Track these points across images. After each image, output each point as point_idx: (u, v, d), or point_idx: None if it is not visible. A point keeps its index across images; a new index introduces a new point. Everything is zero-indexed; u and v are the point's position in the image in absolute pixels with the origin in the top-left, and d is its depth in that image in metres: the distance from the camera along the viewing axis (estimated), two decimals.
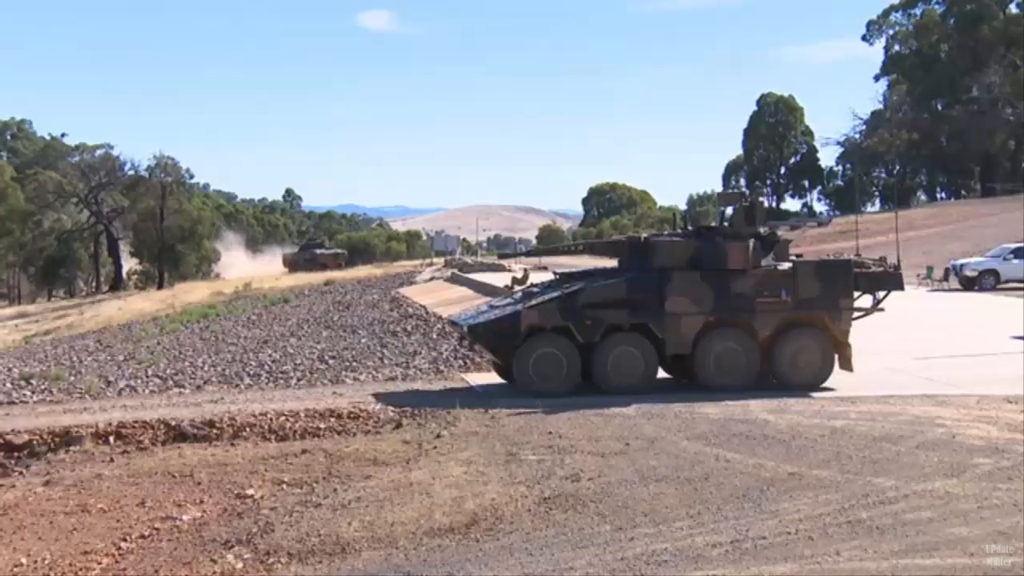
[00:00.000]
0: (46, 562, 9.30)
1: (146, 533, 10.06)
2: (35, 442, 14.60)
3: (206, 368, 22.02)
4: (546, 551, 8.75)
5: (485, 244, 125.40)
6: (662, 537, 8.97)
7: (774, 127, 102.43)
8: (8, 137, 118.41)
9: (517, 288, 30.37)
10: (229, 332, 28.27)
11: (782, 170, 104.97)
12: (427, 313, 29.67)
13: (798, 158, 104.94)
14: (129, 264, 70.84)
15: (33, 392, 19.79)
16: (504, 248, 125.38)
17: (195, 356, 23.96)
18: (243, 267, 73.11)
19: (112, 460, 13.47)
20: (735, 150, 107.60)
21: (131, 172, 69.61)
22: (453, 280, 41.28)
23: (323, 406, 16.16)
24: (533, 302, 17.36)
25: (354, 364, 21.64)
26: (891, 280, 17.88)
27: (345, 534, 9.45)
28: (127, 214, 68.46)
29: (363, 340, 25.13)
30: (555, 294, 17.36)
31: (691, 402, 15.38)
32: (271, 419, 15.22)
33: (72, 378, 21.45)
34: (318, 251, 70.49)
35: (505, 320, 17.24)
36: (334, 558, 8.92)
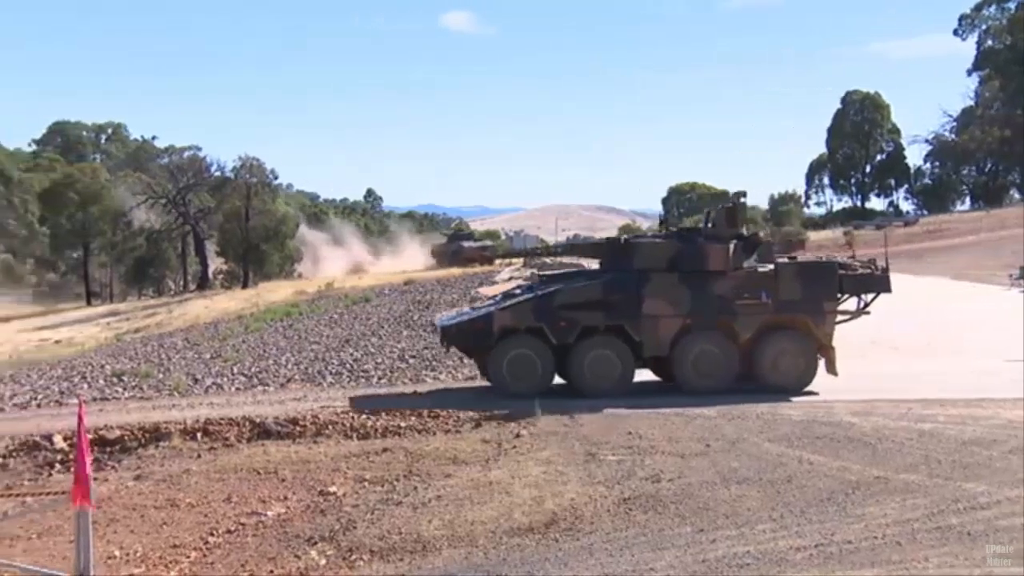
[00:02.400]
0: (138, 555, 9.55)
1: (232, 528, 10.27)
2: (126, 437, 14.99)
3: (289, 366, 22.35)
4: (626, 552, 8.71)
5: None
6: (744, 540, 8.87)
7: (859, 125, 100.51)
8: (103, 140, 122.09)
9: None
10: (311, 331, 28.65)
11: (867, 168, 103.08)
12: None
13: (884, 156, 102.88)
14: (215, 263, 72.23)
15: (124, 388, 20.31)
16: None
17: (279, 354, 24.34)
18: (336, 263, 73.62)
19: (199, 456, 13.77)
20: (819, 148, 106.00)
21: (217, 173, 71.01)
22: (532, 280, 41.22)
23: (403, 405, 16.29)
24: (506, 303, 17.51)
25: (434, 363, 21.77)
26: (878, 282, 17.43)
27: (426, 532, 9.52)
28: (213, 214, 69.85)
29: None
30: (529, 295, 17.52)
31: (773, 403, 15.21)
32: (353, 417, 15.41)
33: (161, 375, 21.94)
34: (464, 244, 69.08)
35: (478, 321, 17.41)
36: (415, 556, 8.99)
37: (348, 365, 22.08)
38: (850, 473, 11.01)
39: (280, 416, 15.55)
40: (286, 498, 11.28)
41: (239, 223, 65.43)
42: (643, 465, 11.64)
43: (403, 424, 14.98)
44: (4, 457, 14.52)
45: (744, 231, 17.94)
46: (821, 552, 8.45)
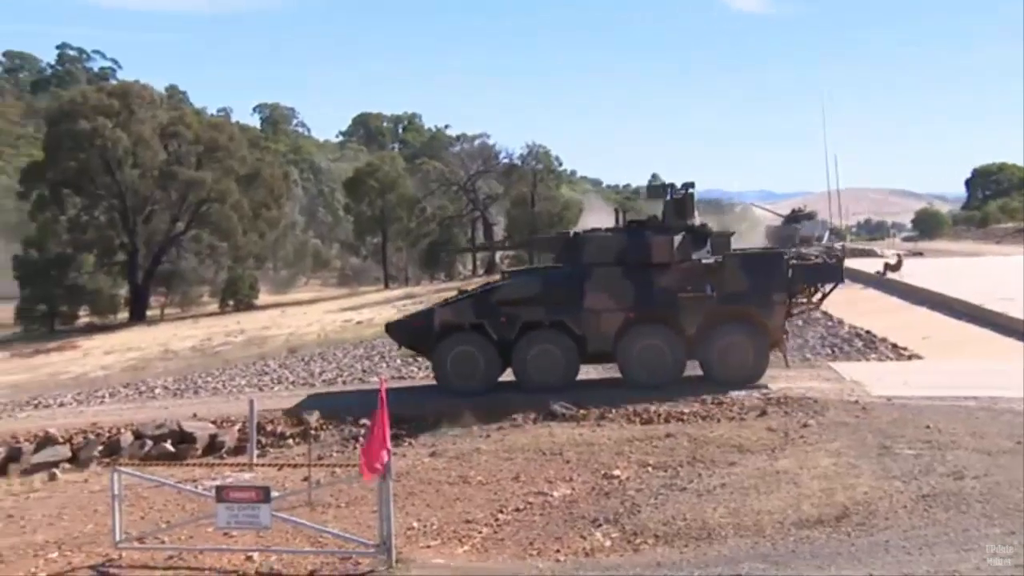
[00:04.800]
0: (433, 527, 10.05)
1: (520, 507, 10.60)
2: (421, 416, 15.76)
3: None
4: (926, 551, 8.25)
5: (854, 229, 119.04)
6: None
7: None
8: (400, 130, 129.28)
9: (889, 274, 28.79)
10: None
11: None
12: None
13: None
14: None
15: (419, 368, 21.34)
16: (875, 233, 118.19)
17: None
18: None
19: (489, 436, 14.28)
20: None
21: (505, 160, 73.23)
22: None
23: (687, 391, 16.17)
24: (449, 300, 17.54)
25: None
26: (829, 272, 16.75)
27: (711, 520, 9.44)
28: (501, 200, 72.08)
29: None
30: (473, 292, 17.58)
31: None
32: (636, 403, 15.46)
33: None
34: (799, 225, 66.27)
35: (419, 317, 17.59)
36: (700, 543, 8.93)
37: None
38: None
39: (564, 399, 15.85)
40: (571, 479, 11.51)
41: (525, 209, 67.12)
42: (943, 461, 10.97)
43: (686, 410, 14.89)
44: (316, 430, 15.69)
45: (694, 223, 17.45)
46: None
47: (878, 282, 31.09)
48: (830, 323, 23.07)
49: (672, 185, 17.89)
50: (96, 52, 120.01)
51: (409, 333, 17.81)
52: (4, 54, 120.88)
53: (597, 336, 16.78)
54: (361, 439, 14.70)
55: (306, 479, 11.68)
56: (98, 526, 10.66)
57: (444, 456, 13.15)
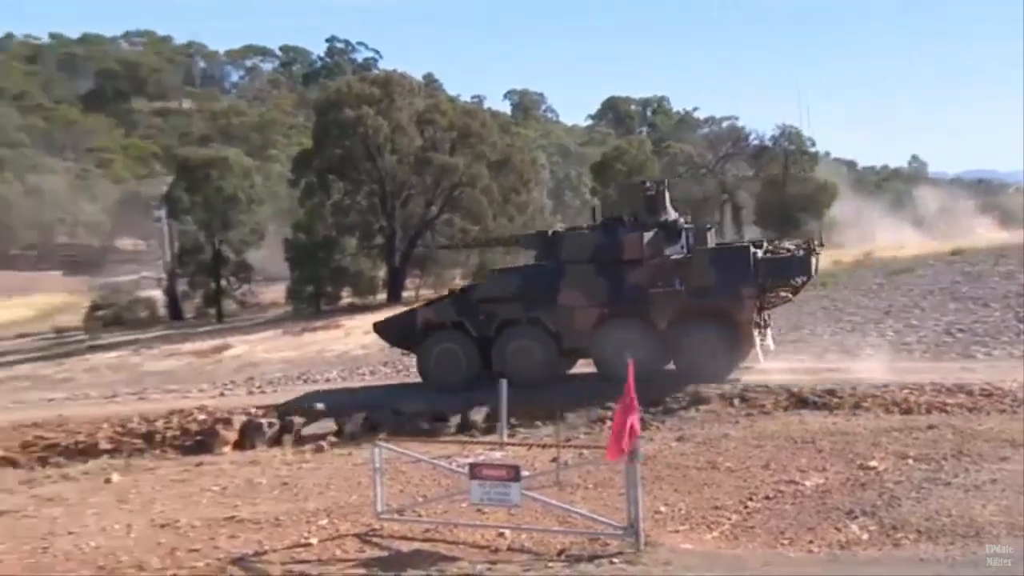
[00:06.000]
0: (681, 512, 10.02)
1: (770, 495, 10.39)
2: (669, 400, 15.75)
3: (826, 337, 21.99)
4: None
5: None
6: None
7: None
8: (649, 113, 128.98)
9: None
10: (848, 301, 27.87)
11: None
12: None
13: None
14: (751, 232, 72.85)
15: None
16: None
17: (814, 324, 24.01)
18: (882, 234, 69.89)
19: (737, 422, 14.10)
20: None
21: (755, 142, 71.60)
22: None
23: (951, 381, 15.34)
24: (432, 300, 18.07)
25: (985, 339, 20.22)
26: (796, 266, 16.01)
27: (979, 517, 8.92)
28: (750, 183, 70.50)
29: (996, 314, 23.36)
30: (454, 292, 18.04)
31: None
32: (894, 391, 14.83)
33: None
34: None
35: (404, 317, 18.14)
36: (967, 541, 8.46)
37: (888, 337, 21.25)
38: None
39: (817, 386, 15.42)
40: (824, 469, 11.19)
41: (776, 191, 65.58)
42: None
43: (950, 401, 14.17)
44: (562, 411, 15.95)
45: (668, 218, 17.19)
46: None
47: None
48: None
49: (643, 183, 18.28)
50: (360, 43, 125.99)
51: (396, 332, 18.63)
52: (280, 48, 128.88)
53: (572, 332, 17.04)
54: (608, 422, 14.88)
55: (554, 459, 11.88)
56: (361, 497, 11.27)
57: (692, 441, 13.08)
